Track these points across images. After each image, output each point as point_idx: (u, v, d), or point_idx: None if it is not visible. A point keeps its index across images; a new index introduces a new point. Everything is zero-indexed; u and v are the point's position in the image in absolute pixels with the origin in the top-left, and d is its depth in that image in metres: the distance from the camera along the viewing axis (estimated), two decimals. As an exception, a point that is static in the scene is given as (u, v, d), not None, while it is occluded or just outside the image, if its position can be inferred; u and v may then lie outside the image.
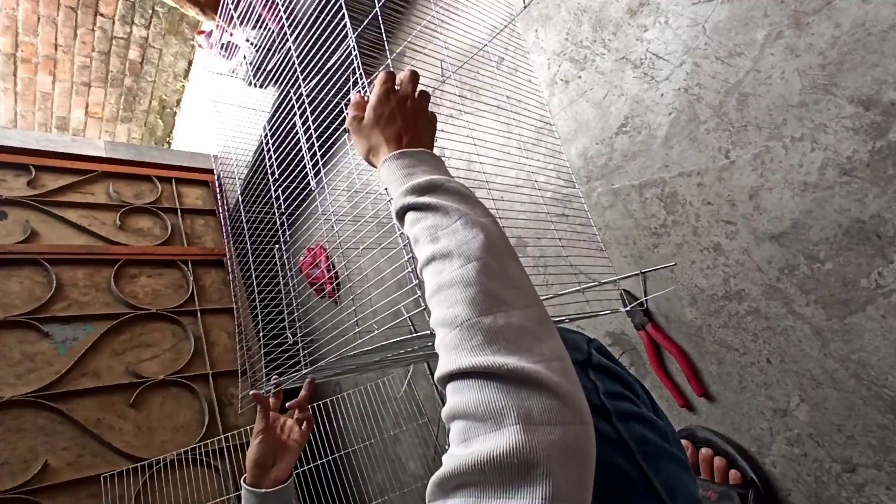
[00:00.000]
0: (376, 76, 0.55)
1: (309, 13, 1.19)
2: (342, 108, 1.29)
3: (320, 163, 0.83)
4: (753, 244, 0.70)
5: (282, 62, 1.38)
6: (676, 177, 0.78)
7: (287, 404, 0.81)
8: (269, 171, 1.06)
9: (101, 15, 2.28)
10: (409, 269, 0.53)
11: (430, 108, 0.57)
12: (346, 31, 0.70)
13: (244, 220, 1.40)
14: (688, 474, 0.46)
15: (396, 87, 0.54)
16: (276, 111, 1.46)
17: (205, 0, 1.55)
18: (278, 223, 1.29)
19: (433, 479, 0.30)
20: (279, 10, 1.30)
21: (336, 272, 1.65)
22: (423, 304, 0.42)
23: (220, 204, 1.99)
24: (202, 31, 1.66)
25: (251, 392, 0.80)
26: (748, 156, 0.70)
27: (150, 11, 2.33)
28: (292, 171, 1.07)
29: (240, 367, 1.61)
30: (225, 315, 1.77)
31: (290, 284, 1.52)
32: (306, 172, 0.87)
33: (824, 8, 0.63)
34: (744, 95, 0.70)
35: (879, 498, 0.59)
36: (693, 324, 0.76)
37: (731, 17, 0.72)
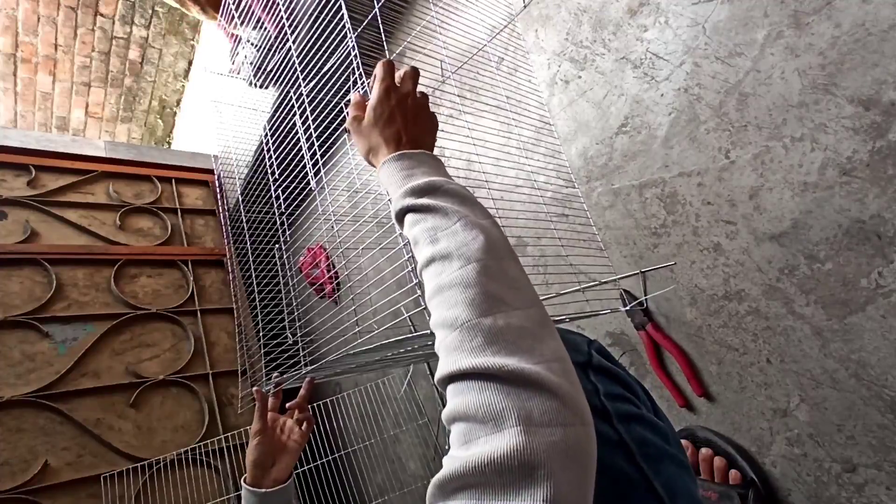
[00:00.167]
0: (376, 70, 0.54)
1: (309, 13, 1.19)
2: (342, 108, 1.29)
3: (320, 162, 0.83)
4: (753, 244, 0.70)
5: (282, 62, 1.38)
6: (676, 177, 0.78)
7: (287, 405, 0.81)
8: (270, 172, 1.06)
9: (101, 15, 2.28)
10: (409, 268, 0.53)
11: (430, 108, 0.56)
12: (346, 32, 0.70)
13: (244, 220, 1.40)
14: (688, 475, 0.46)
15: (397, 84, 0.53)
16: (276, 111, 1.46)
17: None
18: (278, 223, 1.29)
19: (434, 480, 0.29)
20: (279, 11, 1.30)
21: (336, 272, 1.65)
22: (423, 304, 0.42)
23: (220, 204, 1.99)
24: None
25: (253, 388, 0.80)
26: (748, 156, 0.70)
27: (150, 11, 2.33)
28: (292, 171, 1.07)
29: (240, 367, 1.61)
30: (225, 315, 1.77)
31: (290, 284, 1.52)
32: (306, 172, 0.87)
33: (824, 8, 0.63)
34: (744, 95, 0.70)
35: (879, 498, 0.59)
36: (693, 324, 0.76)
37: (731, 17, 0.72)
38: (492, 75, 1.04)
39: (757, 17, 0.69)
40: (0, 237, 1.52)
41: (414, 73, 0.55)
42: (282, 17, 1.33)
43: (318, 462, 1.39)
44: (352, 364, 0.78)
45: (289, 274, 1.43)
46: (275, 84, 1.52)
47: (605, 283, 0.83)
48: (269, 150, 1.11)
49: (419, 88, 0.56)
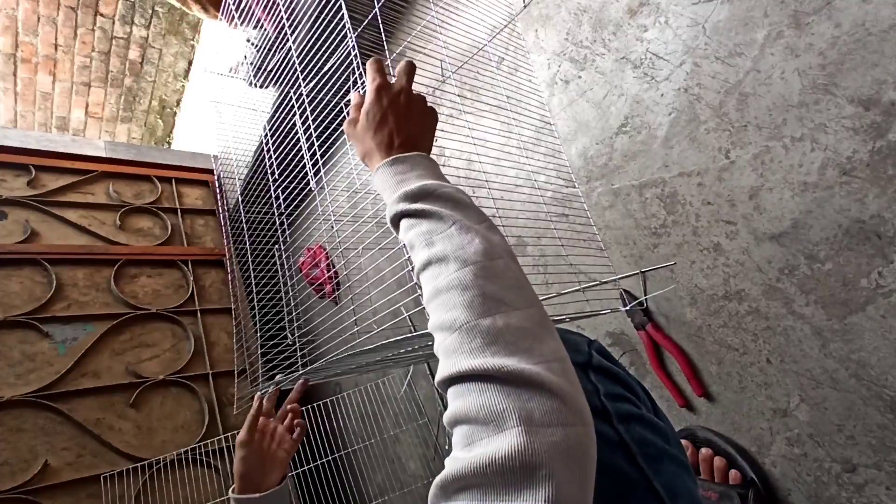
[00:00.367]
0: (366, 69, 0.54)
1: (309, 13, 1.19)
2: (342, 108, 1.29)
3: (320, 163, 0.83)
4: (753, 244, 0.70)
5: (282, 62, 1.38)
6: (676, 177, 0.78)
7: (280, 410, 0.78)
8: (269, 172, 1.06)
9: (101, 15, 2.28)
10: (409, 268, 0.53)
11: (427, 103, 0.55)
12: (346, 32, 0.70)
13: (244, 220, 1.40)
14: (688, 475, 0.46)
15: (390, 82, 0.52)
16: (276, 111, 1.46)
17: None
18: (278, 223, 1.29)
19: (436, 481, 0.30)
20: (279, 11, 1.30)
21: (336, 272, 1.65)
22: (422, 304, 0.42)
23: (220, 204, 1.99)
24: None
25: (256, 394, 0.78)
26: (748, 156, 0.70)
27: (150, 11, 2.33)
28: (292, 171, 1.07)
29: (237, 368, 1.61)
30: (225, 315, 1.77)
31: (289, 284, 1.52)
32: (306, 172, 0.87)
33: (824, 8, 0.63)
34: (744, 95, 0.70)
35: (879, 498, 0.59)
36: (693, 324, 0.76)
37: (731, 17, 0.72)
38: (492, 75, 1.04)
39: (757, 17, 0.69)
40: (0, 237, 1.52)
41: (408, 69, 0.54)
42: (282, 18, 1.33)
43: (318, 462, 1.39)
44: (352, 364, 0.78)
45: (287, 274, 1.43)
46: (275, 84, 1.52)
47: (605, 283, 0.83)
48: (268, 151, 1.11)
49: (417, 87, 0.55)
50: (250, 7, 1.35)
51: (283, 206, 1.04)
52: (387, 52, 0.79)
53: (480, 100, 1.05)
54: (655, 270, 0.81)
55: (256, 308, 1.30)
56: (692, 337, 0.76)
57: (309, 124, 0.84)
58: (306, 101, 0.83)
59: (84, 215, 1.70)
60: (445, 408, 0.33)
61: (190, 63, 2.62)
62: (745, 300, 0.70)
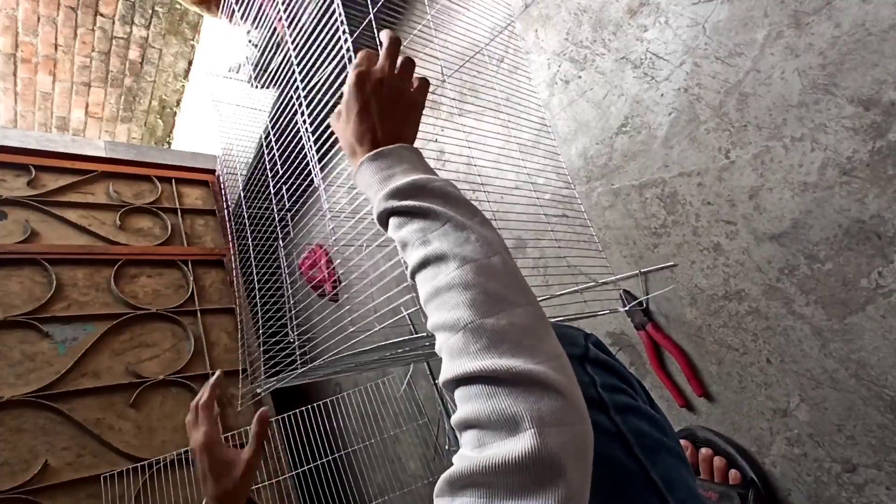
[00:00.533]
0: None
1: (308, 14, 1.19)
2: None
3: (318, 166, 0.83)
4: (753, 244, 0.70)
5: (282, 62, 1.38)
6: (676, 177, 0.78)
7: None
8: (270, 171, 1.06)
9: (101, 15, 2.28)
10: (405, 266, 0.53)
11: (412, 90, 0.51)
12: (346, 30, 0.70)
13: (246, 219, 1.41)
14: (686, 468, 0.46)
15: (374, 69, 0.49)
16: (277, 111, 1.46)
17: None
18: (278, 223, 1.29)
19: (444, 476, 0.30)
20: (279, 12, 1.30)
21: (335, 271, 1.65)
22: (420, 303, 0.41)
23: (223, 202, 1.99)
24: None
25: (259, 411, 0.69)
26: (748, 156, 0.70)
27: (150, 11, 2.33)
28: (293, 170, 1.07)
29: (240, 366, 1.61)
30: (225, 315, 1.77)
31: (288, 283, 1.52)
32: (306, 172, 0.87)
33: (824, 8, 0.63)
34: (744, 95, 0.70)
35: (879, 498, 0.59)
36: (693, 324, 0.76)
37: (731, 17, 0.72)
38: (491, 76, 1.04)
39: (757, 17, 0.69)
40: (0, 237, 1.52)
41: (390, 49, 0.50)
42: (281, 17, 1.33)
43: (318, 462, 1.39)
44: (351, 363, 0.78)
45: (286, 273, 1.43)
46: (275, 84, 1.52)
47: (605, 283, 0.83)
48: (269, 150, 1.11)
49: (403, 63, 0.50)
50: (252, 4, 1.35)
51: (286, 203, 1.04)
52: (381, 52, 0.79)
53: (480, 100, 1.05)
54: (656, 271, 0.81)
55: (259, 307, 1.30)
56: (692, 337, 0.76)
57: (307, 126, 0.84)
58: (304, 101, 0.83)
59: (84, 215, 1.70)
60: (446, 407, 0.33)
61: (190, 63, 2.62)
62: (745, 300, 0.70)
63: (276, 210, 1.15)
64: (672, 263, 0.78)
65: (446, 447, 1.22)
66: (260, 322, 1.37)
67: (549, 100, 0.99)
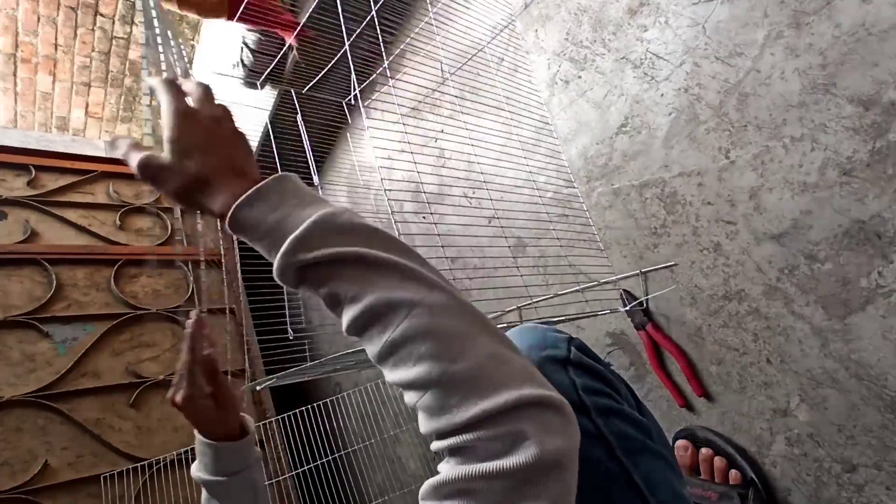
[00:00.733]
0: (154, 89, 0.41)
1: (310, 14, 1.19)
2: (342, 105, 1.29)
3: (315, 170, 0.83)
4: (753, 244, 0.70)
5: (281, 62, 1.38)
6: (676, 177, 0.78)
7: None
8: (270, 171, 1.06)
9: (101, 15, 2.28)
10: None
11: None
12: (346, 30, 0.70)
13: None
14: (671, 471, 0.47)
15: (193, 107, 0.41)
16: (276, 110, 1.46)
17: (204, 3, 1.54)
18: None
19: (429, 481, 0.30)
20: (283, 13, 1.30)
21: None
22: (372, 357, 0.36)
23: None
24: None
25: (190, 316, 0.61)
26: (748, 156, 0.70)
27: (150, 11, 2.34)
28: (292, 170, 1.07)
29: (233, 366, 1.61)
30: (225, 315, 1.77)
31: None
32: (305, 172, 0.87)
33: (824, 8, 0.63)
34: (744, 95, 0.70)
35: (879, 498, 0.59)
36: (693, 324, 0.76)
37: (731, 17, 0.72)
38: (492, 76, 1.04)
39: (757, 17, 0.69)
40: (0, 237, 1.52)
41: (205, 92, 0.42)
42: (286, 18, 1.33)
43: (318, 462, 1.39)
44: (351, 361, 0.78)
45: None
46: (272, 84, 1.52)
47: (605, 283, 0.83)
48: (269, 150, 1.11)
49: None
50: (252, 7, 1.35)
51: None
52: (384, 55, 0.79)
53: (480, 100, 1.05)
54: (656, 271, 0.81)
55: (258, 307, 1.30)
56: (692, 337, 0.76)
57: (304, 127, 0.84)
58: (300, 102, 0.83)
59: (84, 215, 1.70)
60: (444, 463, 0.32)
61: (190, 63, 2.62)
62: (745, 300, 0.70)
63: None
64: (672, 263, 0.78)
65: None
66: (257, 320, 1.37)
67: (550, 100, 0.99)
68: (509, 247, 1.03)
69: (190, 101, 0.41)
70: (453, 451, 0.30)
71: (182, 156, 0.38)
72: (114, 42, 2.41)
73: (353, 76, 0.79)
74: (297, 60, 1.28)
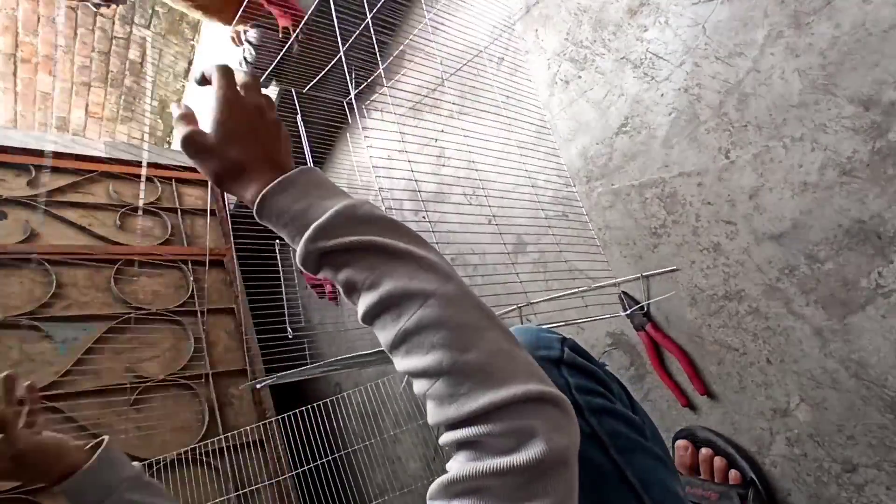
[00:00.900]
0: (211, 75, 0.43)
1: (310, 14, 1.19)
2: (342, 105, 1.29)
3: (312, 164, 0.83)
4: (753, 244, 0.70)
5: (281, 62, 1.38)
6: (676, 177, 0.78)
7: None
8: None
9: (101, 15, 2.28)
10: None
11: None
12: (347, 30, 0.70)
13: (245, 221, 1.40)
14: (665, 469, 0.47)
15: (241, 94, 0.43)
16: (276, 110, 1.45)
17: (211, 6, 1.53)
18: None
19: (439, 479, 0.30)
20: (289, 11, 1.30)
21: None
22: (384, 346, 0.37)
23: (223, 203, 1.99)
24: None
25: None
26: (748, 156, 0.70)
27: (150, 11, 2.33)
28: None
29: (240, 365, 1.61)
30: (225, 315, 1.77)
31: (285, 282, 1.52)
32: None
33: (824, 8, 0.63)
34: (744, 95, 0.70)
35: (879, 498, 0.59)
36: (693, 324, 0.76)
37: (731, 17, 0.72)
38: (491, 76, 1.04)
39: (757, 17, 0.69)
40: (0, 237, 1.52)
41: (255, 82, 0.44)
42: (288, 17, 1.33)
43: (318, 462, 1.39)
44: (350, 362, 0.78)
45: (282, 271, 1.43)
46: (275, 83, 1.52)
47: (605, 286, 0.83)
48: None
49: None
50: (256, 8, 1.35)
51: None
52: (379, 60, 0.79)
53: (480, 101, 1.05)
54: (656, 275, 0.81)
55: (258, 306, 1.30)
56: (692, 337, 0.76)
57: (302, 128, 0.84)
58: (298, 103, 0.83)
59: (84, 215, 1.70)
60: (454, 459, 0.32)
61: (190, 63, 2.62)
62: (745, 300, 0.70)
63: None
64: (673, 267, 0.78)
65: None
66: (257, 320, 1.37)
67: (549, 100, 0.99)
68: (507, 248, 1.03)
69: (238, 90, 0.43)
70: (462, 445, 0.31)
71: (225, 140, 0.40)
72: (114, 42, 2.41)
73: (350, 78, 0.79)
74: (298, 51, 1.28)
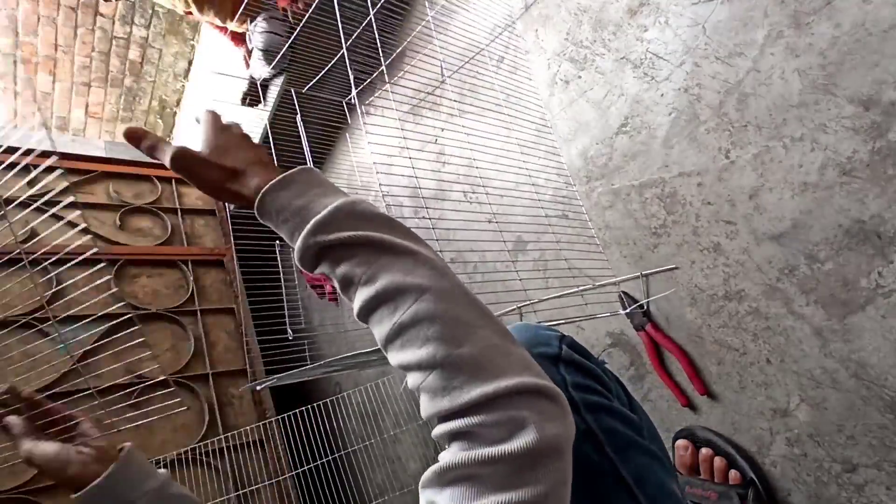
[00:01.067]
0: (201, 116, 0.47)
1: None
2: (342, 105, 1.29)
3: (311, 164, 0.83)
4: (753, 244, 0.70)
5: (282, 62, 1.38)
6: (676, 177, 0.78)
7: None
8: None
9: (101, 15, 2.28)
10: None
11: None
12: (348, 29, 0.70)
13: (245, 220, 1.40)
14: (661, 467, 0.47)
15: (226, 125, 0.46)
16: (276, 111, 1.46)
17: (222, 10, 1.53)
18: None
19: (432, 468, 0.30)
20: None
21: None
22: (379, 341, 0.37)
23: (223, 203, 1.99)
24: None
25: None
26: (748, 156, 0.70)
27: (150, 11, 2.33)
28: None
29: (241, 365, 1.61)
30: (225, 315, 1.77)
31: (285, 282, 1.52)
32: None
33: (824, 8, 0.63)
34: (744, 95, 0.70)
35: (879, 498, 0.59)
36: (693, 324, 0.76)
37: (731, 17, 0.72)
38: (491, 76, 1.04)
39: (757, 17, 0.69)
40: (0, 237, 1.52)
41: (238, 125, 0.47)
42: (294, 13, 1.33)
43: (318, 462, 1.39)
44: (350, 362, 0.78)
45: (282, 271, 1.43)
46: (286, 70, 1.51)
47: (605, 285, 0.83)
48: (268, 149, 1.11)
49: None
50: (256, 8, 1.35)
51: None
52: (381, 56, 0.79)
53: (480, 100, 1.05)
54: (657, 273, 0.81)
55: (258, 307, 1.30)
56: (692, 337, 0.76)
57: (302, 128, 0.84)
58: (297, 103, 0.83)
59: (84, 215, 1.70)
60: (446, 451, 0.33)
61: (190, 63, 2.62)
62: (745, 300, 0.70)
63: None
64: (673, 266, 0.78)
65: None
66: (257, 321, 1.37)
67: (549, 100, 0.99)
68: (507, 247, 1.03)
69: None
70: (455, 436, 0.31)
71: (217, 152, 0.43)
72: (114, 42, 2.41)
73: (351, 78, 0.79)
74: (301, 36, 1.27)
